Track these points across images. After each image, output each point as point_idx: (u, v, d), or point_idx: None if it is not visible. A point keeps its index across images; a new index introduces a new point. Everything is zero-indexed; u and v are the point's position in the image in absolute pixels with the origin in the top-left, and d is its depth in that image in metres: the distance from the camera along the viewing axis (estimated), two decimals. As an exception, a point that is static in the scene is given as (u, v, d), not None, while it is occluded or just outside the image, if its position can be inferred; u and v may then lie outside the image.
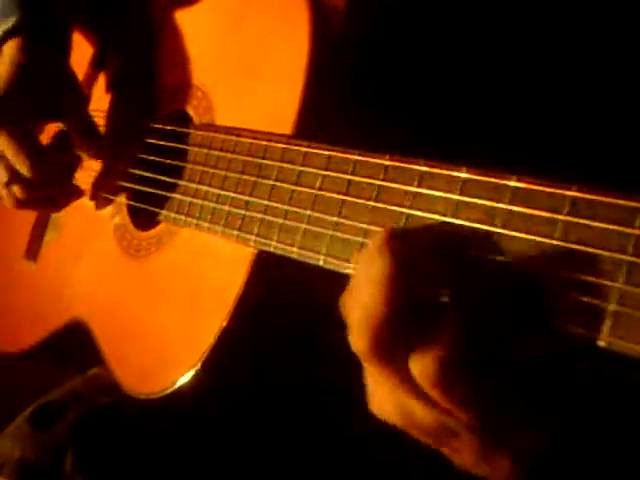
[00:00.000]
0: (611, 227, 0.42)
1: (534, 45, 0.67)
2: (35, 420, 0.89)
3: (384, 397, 0.48)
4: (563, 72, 0.67)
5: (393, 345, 0.45)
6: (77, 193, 0.97)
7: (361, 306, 0.46)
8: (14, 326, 1.10)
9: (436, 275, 0.46)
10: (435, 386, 0.44)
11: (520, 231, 0.47)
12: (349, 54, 0.72)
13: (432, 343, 0.44)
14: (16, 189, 0.92)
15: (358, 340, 0.46)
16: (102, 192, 0.95)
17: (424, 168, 0.54)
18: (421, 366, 0.44)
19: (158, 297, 0.80)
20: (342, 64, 0.71)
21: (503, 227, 0.48)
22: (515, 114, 0.68)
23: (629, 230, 0.41)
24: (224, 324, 0.69)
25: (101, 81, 1.03)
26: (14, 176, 0.90)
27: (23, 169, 0.88)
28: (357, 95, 0.70)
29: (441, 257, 0.47)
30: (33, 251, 1.08)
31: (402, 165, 0.55)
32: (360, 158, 0.59)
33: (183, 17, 0.90)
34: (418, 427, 0.48)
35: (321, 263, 0.60)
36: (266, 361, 0.74)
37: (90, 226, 0.96)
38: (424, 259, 0.46)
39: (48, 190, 0.95)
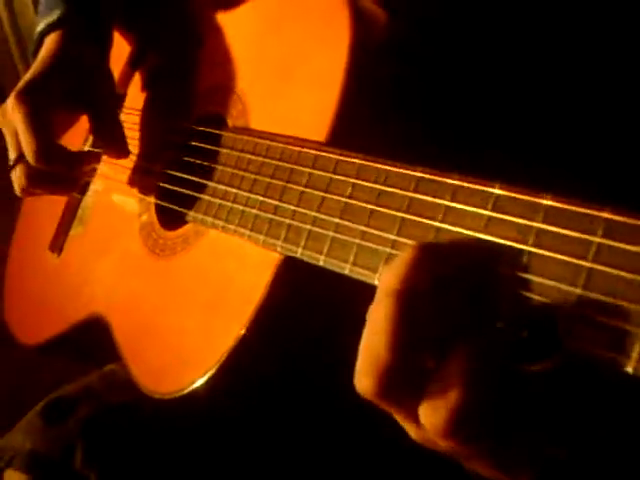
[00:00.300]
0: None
1: (575, 64, 0.68)
2: (47, 414, 0.89)
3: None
4: (598, 93, 0.67)
5: (399, 391, 0.44)
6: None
7: (368, 348, 0.45)
8: (33, 318, 1.10)
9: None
10: (445, 438, 0.43)
11: (551, 250, 0.47)
12: (388, 64, 0.71)
13: (442, 392, 0.42)
14: (17, 172, 0.90)
15: (362, 382, 0.45)
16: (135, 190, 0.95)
17: (456, 182, 0.53)
18: (430, 418, 0.43)
19: (180, 297, 0.80)
20: (380, 74, 0.70)
21: (535, 246, 0.48)
22: (560, 131, 0.69)
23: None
24: (245, 328, 0.69)
25: (137, 80, 1.04)
26: (20, 159, 0.89)
27: (29, 152, 0.86)
28: (394, 105, 0.70)
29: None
30: (57, 244, 1.08)
31: (434, 178, 0.55)
32: (392, 169, 0.59)
33: (223, 19, 0.90)
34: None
35: (347, 272, 0.59)
36: (285, 366, 0.73)
37: (116, 223, 0.97)
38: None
39: (48, 185, 0.94)
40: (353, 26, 0.70)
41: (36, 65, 0.92)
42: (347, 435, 0.81)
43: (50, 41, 0.94)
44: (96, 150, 0.99)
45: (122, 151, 0.92)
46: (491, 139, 0.70)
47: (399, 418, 0.47)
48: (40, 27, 0.96)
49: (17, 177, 0.90)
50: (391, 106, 0.70)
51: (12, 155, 0.89)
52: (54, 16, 0.95)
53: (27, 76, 0.90)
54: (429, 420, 0.43)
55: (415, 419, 0.44)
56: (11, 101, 0.87)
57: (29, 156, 0.86)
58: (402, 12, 0.76)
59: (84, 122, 0.96)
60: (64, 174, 0.92)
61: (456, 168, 0.54)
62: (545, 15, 0.71)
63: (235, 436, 0.85)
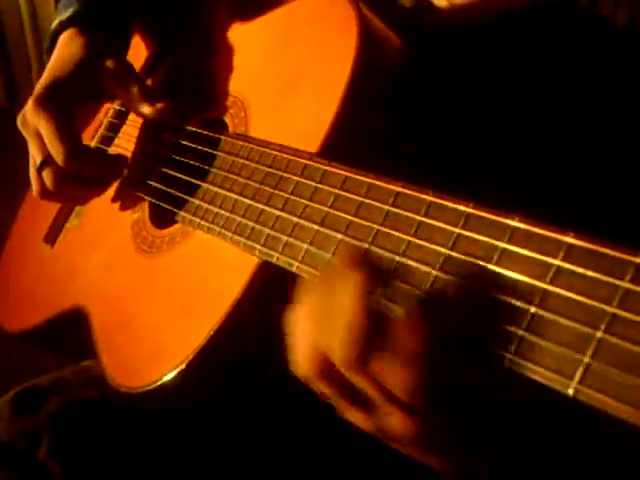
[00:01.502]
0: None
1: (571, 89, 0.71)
2: (17, 403, 0.89)
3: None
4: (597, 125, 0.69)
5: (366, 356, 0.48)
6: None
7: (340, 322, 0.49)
8: (18, 306, 1.11)
9: None
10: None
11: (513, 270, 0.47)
12: (390, 86, 0.72)
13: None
14: (46, 174, 0.89)
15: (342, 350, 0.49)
16: (128, 189, 0.95)
17: (432, 198, 0.54)
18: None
19: (159, 294, 0.80)
20: (380, 94, 0.71)
21: (497, 264, 0.48)
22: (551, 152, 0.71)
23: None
24: (216, 327, 0.69)
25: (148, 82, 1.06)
26: (47, 160, 0.88)
27: (58, 154, 0.86)
28: (388, 125, 0.71)
29: None
30: (52, 235, 1.09)
31: (411, 193, 0.56)
32: (374, 182, 0.59)
33: (236, 31, 0.92)
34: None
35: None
36: (250, 366, 0.73)
37: (111, 219, 0.97)
38: None
39: (78, 186, 0.93)
40: (359, 46, 0.71)
41: (51, 67, 0.92)
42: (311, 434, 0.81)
43: (64, 40, 0.94)
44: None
45: (155, 108, 0.91)
46: (486, 161, 0.71)
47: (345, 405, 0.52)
48: (53, 25, 0.97)
49: (46, 179, 0.89)
50: (386, 125, 0.71)
51: (38, 159, 0.89)
52: (67, 13, 0.95)
53: (43, 80, 0.90)
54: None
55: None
56: (31, 106, 0.87)
57: (58, 158, 0.86)
58: (421, 38, 0.77)
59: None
60: (92, 174, 0.92)
61: (446, 187, 0.55)
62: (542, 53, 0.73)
63: (203, 433, 0.84)
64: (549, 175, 0.70)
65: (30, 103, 0.88)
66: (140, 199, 0.94)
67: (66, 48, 0.93)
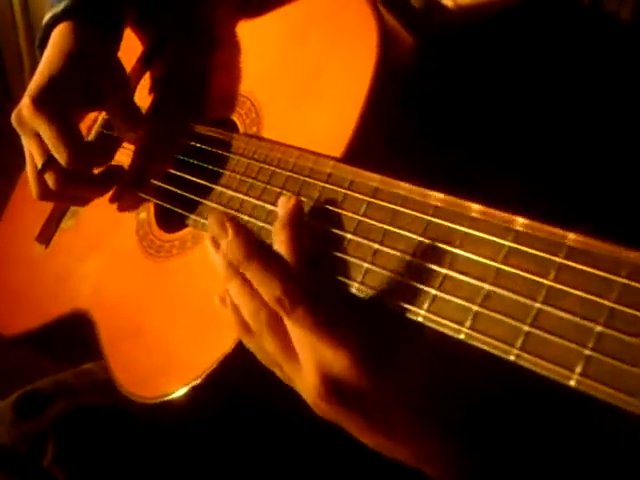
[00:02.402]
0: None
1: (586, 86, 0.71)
2: (19, 407, 0.86)
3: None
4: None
5: None
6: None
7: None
8: (11, 308, 1.07)
9: None
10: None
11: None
12: (411, 87, 0.71)
13: None
14: (49, 176, 0.87)
15: None
16: (131, 190, 0.93)
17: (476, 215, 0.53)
18: None
19: (172, 301, 0.78)
20: (403, 96, 0.70)
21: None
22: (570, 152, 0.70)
23: None
24: (237, 341, 0.67)
25: (146, 79, 1.03)
26: (50, 163, 0.86)
27: (62, 156, 0.83)
28: (413, 128, 0.69)
29: None
30: (46, 235, 1.05)
31: (453, 208, 0.54)
32: (409, 195, 0.57)
33: (244, 26, 0.89)
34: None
35: (354, 290, 0.58)
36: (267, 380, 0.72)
37: (111, 219, 0.94)
38: None
39: (82, 185, 0.91)
40: (380, 47, 0.69)
41: (47, 62, 0.89)
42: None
43: (58, 34, 0.91)
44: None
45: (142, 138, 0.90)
46: (491, 157, 0.70)
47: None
48: (46, 18, 0.94)
49: (49, 180, 0.87)
50: (411, 129, 0.69)
51: (39, 160, 0.86)
52: (61, 6, 0.92)
53: (38, 77, 0.87)
54: None
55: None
56: (27, 106, 0.84)
57: (62, 159, 0.83)
58: (429, 38, 0.76)
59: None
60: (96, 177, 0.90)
61: (451, 184, 0.55)
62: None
63: (212, 443, 0.83)
64: (552, 171, 0.69)
65: (27, 101, 0.85)
66: (141, 201, 0.91)
67: (61, 42, 0.91)
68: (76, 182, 0.88)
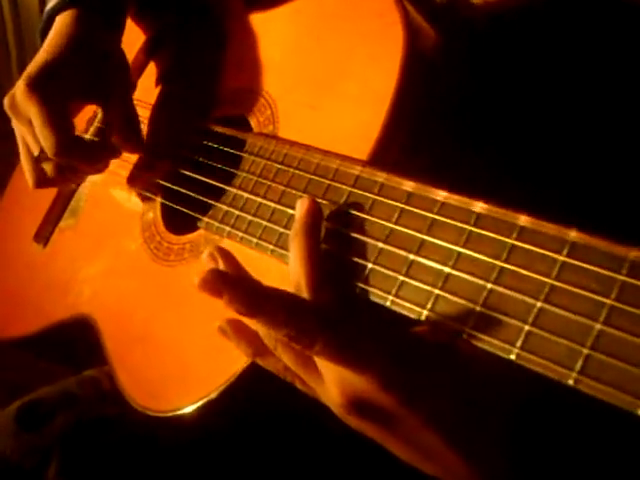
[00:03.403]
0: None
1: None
2: (22, 418, 0.82)
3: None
4: None
5: None
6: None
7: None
8: (8, 310, 1.03)
9: None
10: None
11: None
12: (437, 83, 0.68)
13: None
14: (47, 164, 0.83)
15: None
16: (137, 187, 0.89)
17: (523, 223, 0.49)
18: None
19: (185, 309, 0.74)
20: (429, 93, 0.66)
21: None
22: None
23: None
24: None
25: (150, 71, 0.98)
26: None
27: (47, 144, 0.79)
28: (441, 128, 0.66)
29: None
30: (44, 234, 1.01)
31: (498, 216, 0.51)
32: (447, 201, 0.54)
33: (255, 19, 0.85)
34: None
35: (388, 304, 0.55)
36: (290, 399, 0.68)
37: (114, 219, 0.91)
38: None
39: (64, 177, 0.86)
40: (407, 43, 0.66)
41: (47, 48, 0.84)
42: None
43: (62, 22, 0.87)
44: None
45: (137, 146, 0.86)
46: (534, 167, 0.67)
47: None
48: (50, 4, 0.90)
49: (47, 168, 0.83)
50: (438, 128, 0.66)
51: (35, 148, 0.82)
52: None
53: (37, 61, 0.83)
54: None
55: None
56: (22, 88, 0.80)
57: (48, 148, 0.79)
58: (454, 33, 0.73)
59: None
60: (81, 166, 0.85)
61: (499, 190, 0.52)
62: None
63: (222, 459, 0.79)
64: (576, 171, 0.66)
65: (21, 85, 0.80)
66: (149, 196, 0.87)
67: (64, 29, 0.87)
68: (59, 174, 0.84)
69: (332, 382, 0.53)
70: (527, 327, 0.46)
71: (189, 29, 0.95)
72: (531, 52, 0.71)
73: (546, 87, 0.70)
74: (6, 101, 0.82)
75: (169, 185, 0.84)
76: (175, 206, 0.82)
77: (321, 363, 0.53)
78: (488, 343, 0.48)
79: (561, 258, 0.46)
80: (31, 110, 0.80)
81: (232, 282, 0.52)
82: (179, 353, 0.72)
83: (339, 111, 0.69)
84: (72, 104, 0.85)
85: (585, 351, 0.43)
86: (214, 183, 0.76)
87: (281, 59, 0.79)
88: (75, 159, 0.83)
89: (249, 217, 0.70)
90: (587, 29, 0.70)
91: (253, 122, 0.78)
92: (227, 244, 0.73)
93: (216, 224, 0.73)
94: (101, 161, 0.89)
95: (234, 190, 0.73)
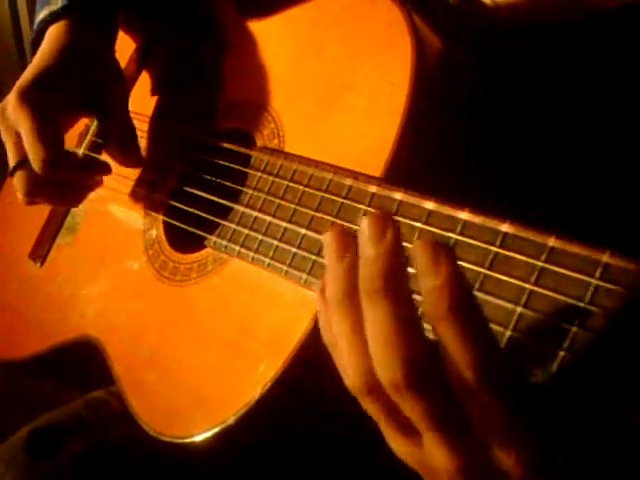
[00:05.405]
0: None
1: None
2: (32, 447, 0.80)
3: None
4: None
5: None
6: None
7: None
8: (6, 330, 1.01)
9: None
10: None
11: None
12: (446, 93, 0.66)
13: None
14: (18, 179, 0.81)
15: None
16: (139, 205, 0.87)
17: (552, 243, 0.48)
18: None
19: (197, 330, 0.72)
20: (440, 104, 0.65)
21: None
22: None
23: None
24: (275, 376, 0.62)
25: (143, 82, 0.96)
26: (22, 164, 0.80)
27: (35, 157, 0.77)
28: (453, 139, 0.64)
29: None
30: (40, 252, 0.99)
31: (526, 236, 0.50)
32: (470, 220, 0.53)
33: (254, 28, 0.83)
34: None
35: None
36: (313, 417, 0.67)
37: (115, 237, 0.89)
38: None
39: (51, 194, 0.85)
40: (415, 55, 0.64)
41: (40, 59, 0.83)
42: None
43: (54, 32, 0.86)
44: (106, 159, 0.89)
45: (134, 160, 0.84)
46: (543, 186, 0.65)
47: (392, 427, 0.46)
48: (42, 15, 0.88)
49: (19, 184, 0.81)
50: (452, 139, 0.64)
51: (12, 160, 0.80)
52: (58, 4, 0.87)
53: (30, 71, 0.82)
54: None
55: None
56: (13, 99, 0.78)
57: (35, 164, 0.77)
58: (457, 40, 0.71)
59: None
60: (71, 183, 0.84)
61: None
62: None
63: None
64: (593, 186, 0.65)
65: (13, 96, 0.79)
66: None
67: (58, 39, 0.86)
68: (45, 189, 0.83)
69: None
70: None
71: (180, 37, 0.93)
72: (542, 61, 0.70)
73: (558, 95, 0.69)
74: None
75: (172, 202, 0.82)
76: (179, 224, 0.80)
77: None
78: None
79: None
80: (21, 122, 0.78)
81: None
82: (193, 377, 0.71)
83: (346, 124, 0.67)
84: (65, 116, 0.83)
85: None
86: (219, 200, 0.75)
87: (281, 70, 0.77)
88: (62, 174, 0.82)
89: (260, 236, 0.68)
90: (601, 47, 0.69)
91: (256, 136, 0.76)
92: (237, 264, 0.71)
93: (224, 243, 0.72)
94: (91, 177, 0.87)
95: (241, 208, 0.72)
